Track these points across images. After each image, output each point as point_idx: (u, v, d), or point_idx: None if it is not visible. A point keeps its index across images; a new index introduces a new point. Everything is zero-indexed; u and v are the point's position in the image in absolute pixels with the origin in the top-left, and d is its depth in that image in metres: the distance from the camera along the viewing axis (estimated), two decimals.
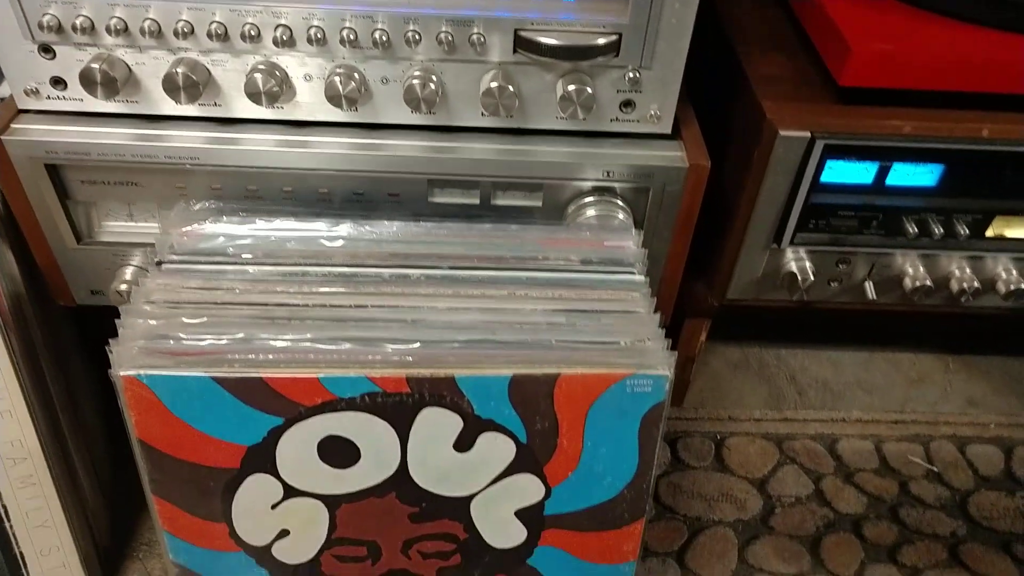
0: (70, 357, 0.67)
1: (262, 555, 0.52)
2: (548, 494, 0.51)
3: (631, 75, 0.52)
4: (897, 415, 0.85)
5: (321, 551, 0.53)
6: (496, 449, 0.49)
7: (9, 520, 0.58)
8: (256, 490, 0.49)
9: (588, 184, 0.56)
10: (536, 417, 0.48)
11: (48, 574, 0.62)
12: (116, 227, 0.59)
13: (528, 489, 0.51)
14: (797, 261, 0.63)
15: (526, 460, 0.50)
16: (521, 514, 0.52)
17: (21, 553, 0.60)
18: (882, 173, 0.59)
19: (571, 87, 0.51)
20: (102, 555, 0.67)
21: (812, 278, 0.62)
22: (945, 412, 0.86)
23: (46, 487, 0.59)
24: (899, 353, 0.92)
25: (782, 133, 0.55)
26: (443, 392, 0.46)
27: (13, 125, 0.53)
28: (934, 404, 0.87)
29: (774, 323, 0.94)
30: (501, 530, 0.53)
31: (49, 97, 0.53)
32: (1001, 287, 0.64)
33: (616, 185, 0.56)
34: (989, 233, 0.62)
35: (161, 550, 0.53)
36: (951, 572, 0.72)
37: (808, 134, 0.56)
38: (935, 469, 0.79)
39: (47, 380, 0.60)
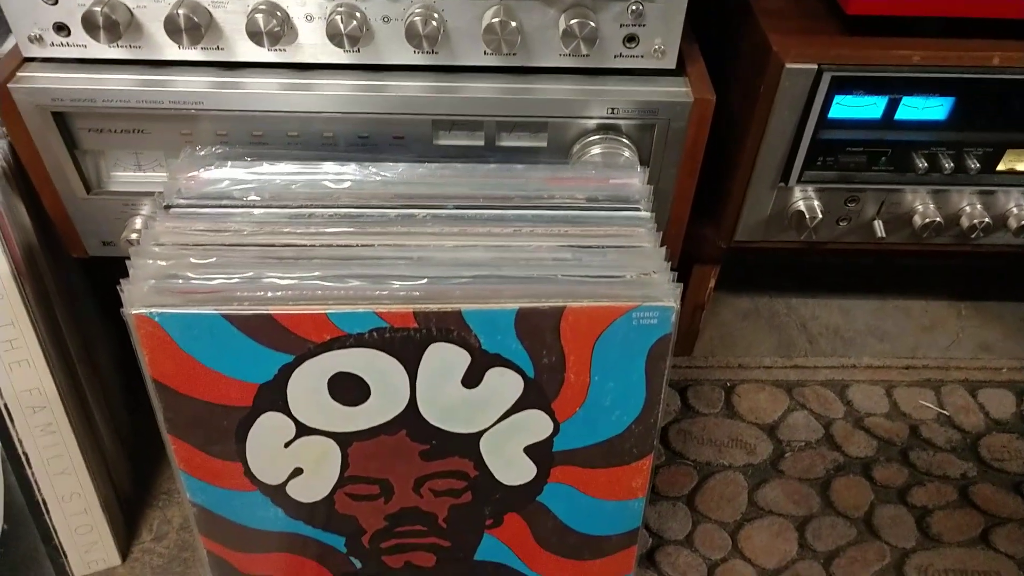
0: (85, 309, 0.68)
1: (277, 493, 0.53)
2: (556, 430, 0.52)
3: (634, 8, 0.51)
4: (908, 361, 0.84)
5: (334, 489, 0.54)
6: (504, 384, 0.49)
7: (31, 467, 0.60)
8: (269, 428, 0.50)
9: (593, 122, 0.56)
10: (543, 351, 0.48)
11: (70, 520, 0.63)
12: (125, 177, 0.60)
13: (536, 425, 0.52)
14: (805, 200, 0.63)
15: (534, 395, 0.50)
16: (530, 450, 0.53)
17: (43, 499, 0.61)
18: (891, 107, 0.58)
19: (573, 21, 0.51)
20: (123, 502, 0.69)
21: (820, 216, 0.62)
22: (957, 357, 0.85)
23: (65, 435, 0.60)
24: (911, 300, 0.92)
25: (788, 66, 0.55)
26: (450, 327, 0.47)
27: (19, 73, 0.54)
28: (946, 350, 0.87)
29: (784, 272, 0.94)
30: (511, 467, 0.53)
31: (53, 44, 0.53)
32: (1012, 223, 0.63)
33: (621, 122, 0.56)
34: (1000, 167, 0.61)
35: (180, 494, 0.54)
36: (961, 512, 0.72)
37: (815, 66, 0.55)
38: (946, 413, 0.79)
39: (63, 330, 0.61)
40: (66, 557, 0.64)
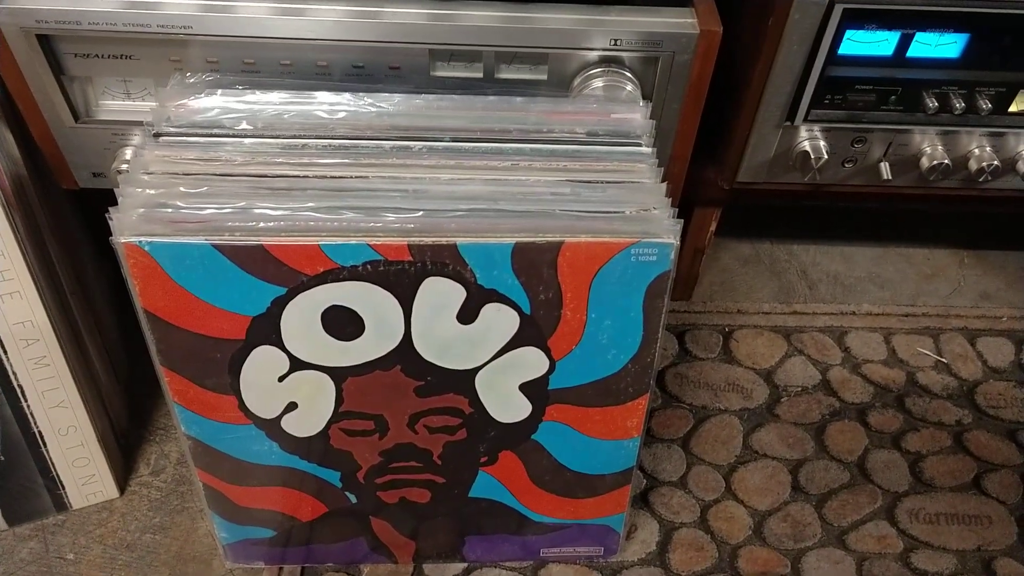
0: (78, 243, 0.67)
1: (271, 428, 0.53)
2: (552, 368, 0.51)
3: None
4: (908, 308, 0.84)
5: (329, 424, 0.53)
6: (500, 320, 0.49)
7: (26, 400, 0.60)
8: (263, 362, 0.50)
9: (595, 55, 0.54)
10: (539, 287, 0.47)
11: (67, 453, 0.63)
12: (114, 105, 0.58)
13: (532, 362, 0.51)
14: (811, 140, 0.61)
15: (530, 332, 0.50)
16: (525, 388, 0.52)
17: (40, 431, 0.61)
18: (903, 44, 0.57)
19: None
20: (120, 437, 0.69)
21: (826, 157, 0.61)
22: (957, 306, 0.85)
23: (59, 367, 0.60)
24: (913, 248, 0.91)
25: None
26: (445, 260, 0.46)
27: None
28: (946, 298, 0.86)
29: (786, 218, 0.93)
30: (506, 404, 0.53)
31: None
32: (1022, 166, 0.62)
33: (624, 55, 0.54)
34: (1013, 108, 0.60)
35: (176, 429, 0.54)
36: (955, 458, 0.72)
37: None
38: (944, 360, 0.79)
39: (54, 262, 0.61)
40: (64, 489, 0.65)
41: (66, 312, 0.62)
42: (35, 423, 0.61)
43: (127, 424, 0.71)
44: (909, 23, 0.55)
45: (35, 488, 0.64)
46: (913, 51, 0.57)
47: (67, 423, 0.62)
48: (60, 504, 0.65)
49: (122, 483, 0.67)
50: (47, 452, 0.63)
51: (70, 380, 0.60)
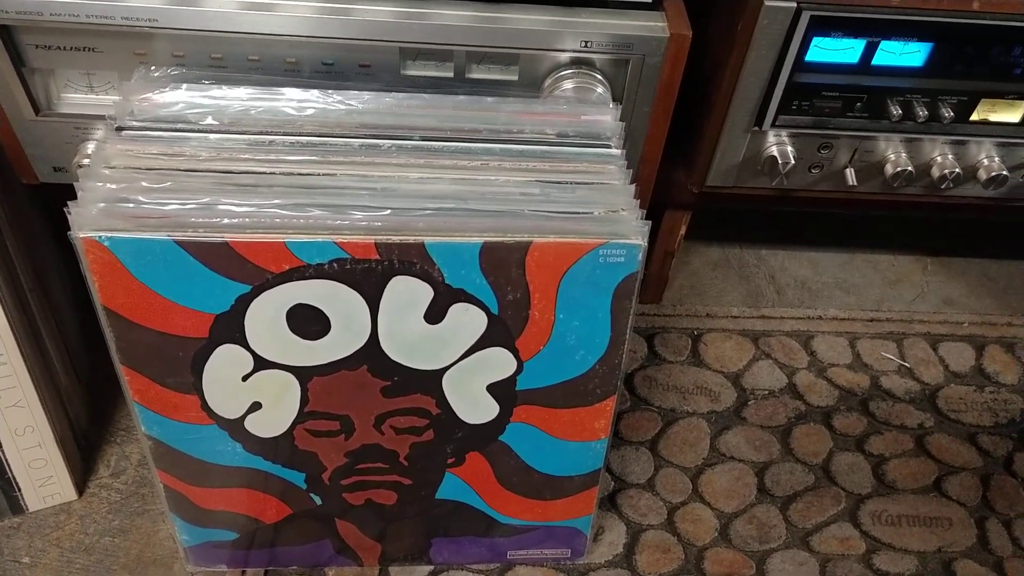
0: (37, 241, 0.66)
1: (235, 428, 0.52)
2: (520, 368, 0.51)
3: None
4: (873, 313, 0.85)
5: (294, 425, 0.53)
6: (467, 320, 0.49)
7: None
8: (226, 361, 0.49)
9: (566, 56, 0.54)
10: (507, 287, 0.47)
11: (24, 454, 0.62)
12: (76, 99, 0.57)
13: (500, 363, 0.51)
14: (779, 145, 0.62)
15: (498, 333, 0.49)
16: (493, 389, 0.52)
17: None
18: (869, 51, 0.57)
19: None
20: (79, 437, 0.67)
21: (793, 162, 0.61)
22: (920, 311, 0.86)
23: (17, 366, 0.58)
24: (878, 254, 0.93)
25: (767, 3, 0.53)
26: (413, 259, 0.46)
27: None
28: (910, 303, 0.88)
29: (755, 224, 0.94)
30: (473, 405, 0.53)
31: None
32: (982, 173, 0.63)
33: (595, 57, 0.54)
34: (974, 117, 0.61)
35: (136, 429, 0.53)
36: (917, 461, 0.74)
37: (794, 4, 0.54)
38: (907, 365, 0.81)
39: (13, 260, 0.59)
40: (20, 491, 0.63)
41: (25, 310, 0.60)
42: None
43: (87, 425, 0.69)
44: (874, 31, 0.56)
45: None
46: (878, 59, 0.58)
47: (24, 423, 0.61)
48: (16, 506, 0.64)
49: (81, 485, 0.66)
50: (2, 453, 0.61)
51: (27, 379, 0.59)
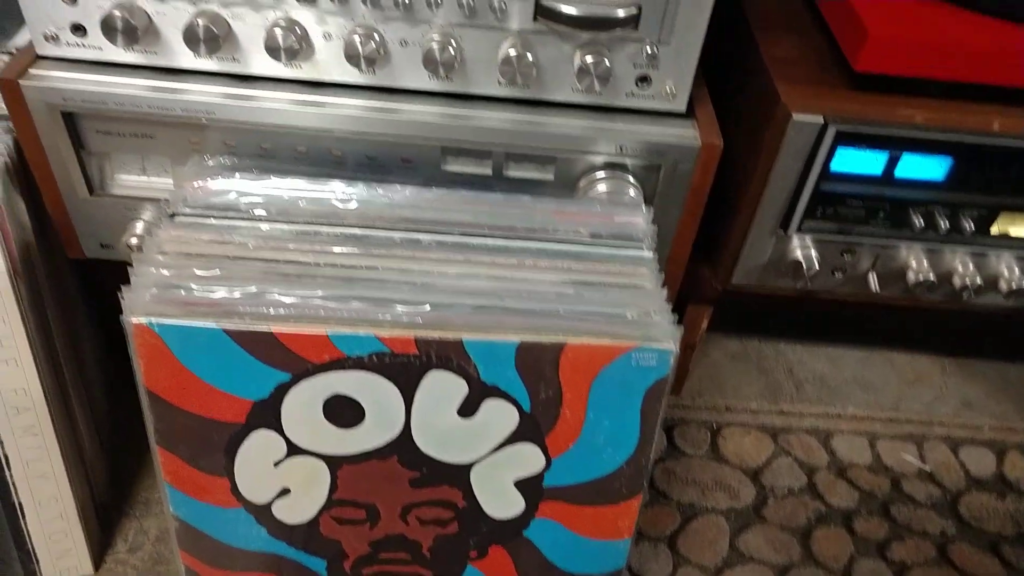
0: (75, 310, 0.67)
1: (262, 513, 0.53)
2: (548, 465, 0.52)
3: (649, 50, 0.52)
4: (892, 413, 0.85)
5: (320, 512, 0.53)
6: (499, 416, 0.49)
7: (9, 468, 0.59)
8: (260, 446, 0.50)
9: (600, 159, 0.57)
10: (541, 385, 0.48)
11: (46, 524, 0.62)
12: (129, 180, 0.59)
13: (529, 459, 0.51)
14: (803, 249, 0.63)
15: (528, 429, 0.50)
16: (520, 484, 0.52)
17: (20, 502, 0.60)
18: (891, 164, 0.59)
19: (589, 58, 0.52)
20: (100, 510, 0.67)
21: (817, 267, 0.63)
22: (940, 413, 0.86)
23: (47, 437, 0.59)
24: (897, 353, 0.93)
25: (795, 117, 0.56)
26: (450, 355, 0.47)
27: (31, 71, 0.53)
28: (929, 404, 0.88)
29: (774, 317, 0.95)
30: (500, 500, 0.53)
31: (68, 44, 0.53)
32: (1003, 285, 0.64)
33: (628, 161, 0.57)
34: (994, 230, 0.62)
35: (159, 507, 0.53)
36: (939, 570, 0.72)
37: (821, 119, 0.56)
38: (927, 468, 0.80)
39: (52, 331, 0.61)
40: (38, 563, 0.63)
41: (59, 381, 0.61)
42: (16, 493, 0.60)
43: (107, 495, 0.69)
44: (896, 145, 0.58)
45: (8, 560, 0.62)
46: (900, 171, 0.60)
47: (49, 494, 0.61)
48: None
49: (98, 558, 0.65)
50: (25, 523, 0.61)
51: (56, 450, 0.59)
